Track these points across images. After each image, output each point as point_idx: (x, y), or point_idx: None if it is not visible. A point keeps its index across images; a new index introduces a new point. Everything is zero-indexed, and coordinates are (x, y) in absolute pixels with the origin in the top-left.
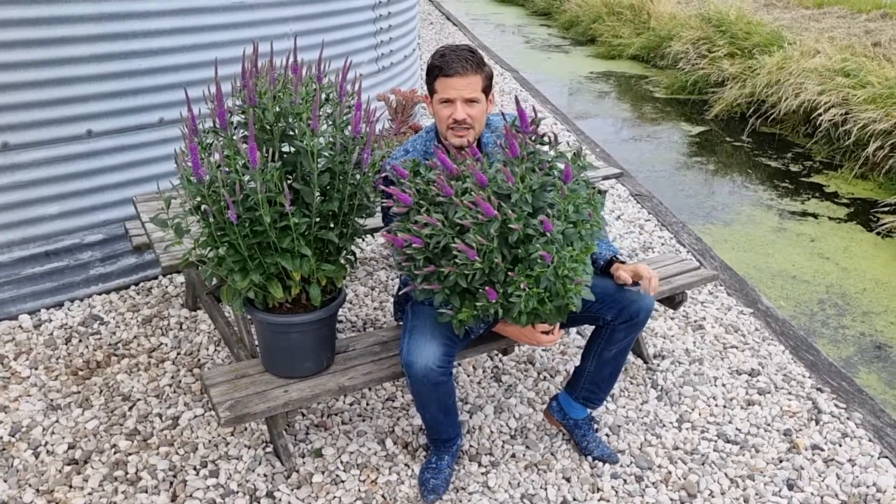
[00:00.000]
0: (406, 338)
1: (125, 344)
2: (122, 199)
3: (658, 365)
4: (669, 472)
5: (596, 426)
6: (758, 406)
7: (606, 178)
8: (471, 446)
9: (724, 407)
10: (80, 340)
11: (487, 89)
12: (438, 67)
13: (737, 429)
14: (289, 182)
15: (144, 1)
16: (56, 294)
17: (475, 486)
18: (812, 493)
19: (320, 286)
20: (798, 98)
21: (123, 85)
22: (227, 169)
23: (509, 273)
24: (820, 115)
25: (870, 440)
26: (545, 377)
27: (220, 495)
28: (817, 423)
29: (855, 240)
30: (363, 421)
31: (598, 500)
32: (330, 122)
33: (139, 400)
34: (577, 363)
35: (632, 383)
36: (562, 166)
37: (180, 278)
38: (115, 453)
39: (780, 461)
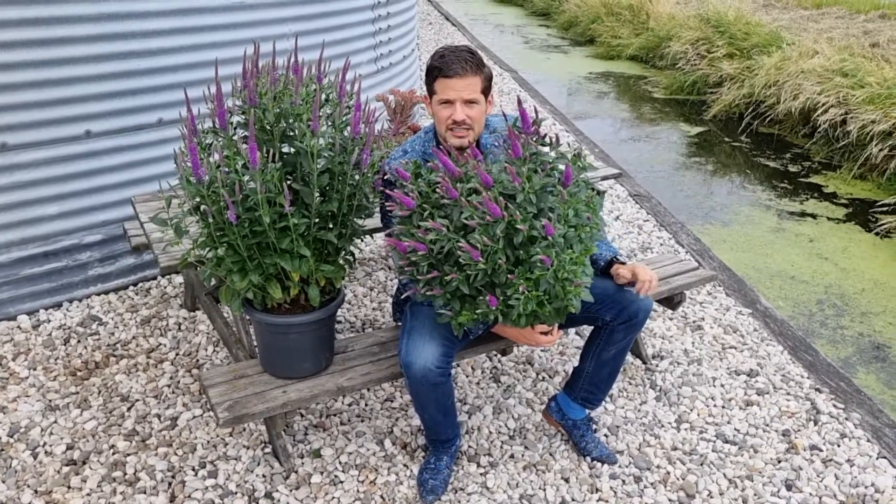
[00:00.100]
0: (405, 338)
1: (124, 344)
2: (120, 199)
3: (657, 365)
4: (668, 473)
5: (594, 427)
6: (756, 406)
7: (605, 178)
8: (469, 447)
9: (723, 407)
10: (79, 341)
11: (487, 90)
12: (438, 68)
13: (735, 429)
14: (288, 182)
15: (143, 1)
16: (55, 294)
17: (474, 486)
18: (810, 494)
19: (319, 287)
20: (797, 99)
21: (122, 85)
22: (226, 169)
23: (509, 276)
24: (819, 115)
25: (868, 440)
26: (544, 378)
27: (218, 496)
28: (816, 423)
29: (854, 240)
30: (362, 421)
31: (597, 501)
32: (329, 123)
33: (138, 400)
34: (576, 364)
35: (630, 384)
36: (563, 167)
37: (179, 279)
38: (113, 454)
39: (779, 461)
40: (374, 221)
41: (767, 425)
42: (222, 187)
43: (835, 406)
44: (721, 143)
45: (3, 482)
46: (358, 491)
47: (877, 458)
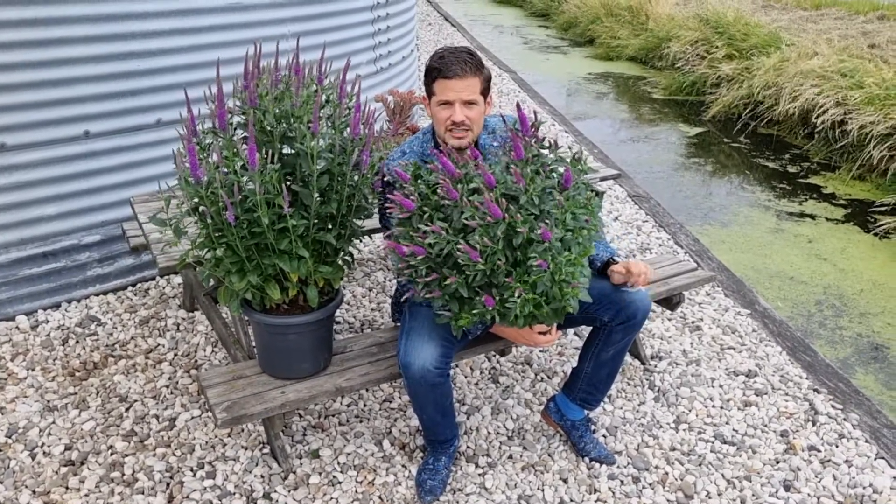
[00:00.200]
0: (403, 339)
1: (122, 345)
2: (119, 200)
3: (655, 366)
4: (666, 473)
5: (593, 427)
6: (755, 407)
7: (604, 179)
8: (468, 447)
9: (721, 408)
10: (78, 341)
11: (486, 91)
12: (437, 69)
13: (734, 430)
14: (288, 183)
15: (142, 2)
16: (53, 295)
17: (472, 487)
18: (809, 494)
19: (318, 287)
20: (796, 100)
21: (121, 86)
22: (225, 170)
23: (506, 278)
24: (817, 116)
25: (866, 441)
26: (542, 378)
27: (216, 496)
28: (814, 424)
29: (852, 241)
30: (360, 422)
31: (596, 502)
32: (329, 124)
33: (136, 401)
34: (575, 364)
35: (629, 384)
36: (562, 170)
37: (178, 279)
38: (111, 454)
39: (777, 462)
40: (373, 222)
41: (766, 426)
42: (221, 188)
43: (833, 407)
44: (720, 143)
45: (2, 483)
46: (356, 491)
47: (875, 459)
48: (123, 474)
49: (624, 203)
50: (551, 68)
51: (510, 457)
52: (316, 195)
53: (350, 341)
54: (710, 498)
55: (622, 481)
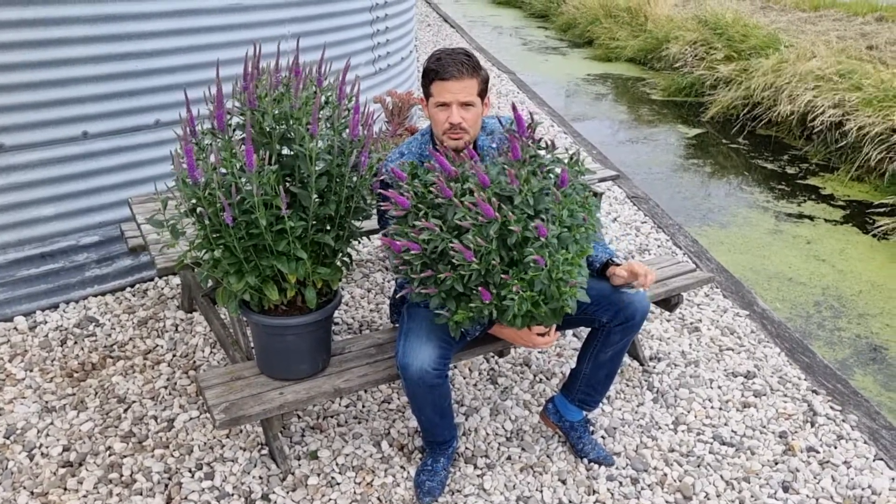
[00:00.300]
0: (402, 340)
1: (120, 346)
2: (117, 200)
3: (654, 367)
4: (665, 475)
5: (592, 428)
6: (753, 408)
7: (603, 180)
8: (466, 448)
9: (720, 409)
10: (76, 342)
11: (483, 93)
12: (434, 71)
13: (732, 431)
14: (287, 185)
15: (141, 2)
16: (51, 296)
17: (471, 488)
18: (807, 496)
19: (316, 289)
20: (794, 101)
21: (120, 86)
22: (223, 171)
23: (503, 276)
24: (816, 117)
25: (865, 442)
26: (541, 379)
27: (215, 498)
28: (813, 425)
29: (851, 242)
30: (359, 423)
31: (594, 503)
32: (328, 125)
33: (134, 402)
34: (573, 365)
35: (628, 385)
36: (559, 170)
37: (176, 280)
38: (109, 455)
39: (776, 463)
40: (372, 223)
41: (764, 427)
42: (218, 189)
43: (832, 408)
44: (719, 144)
45: (0, 484)
46: (355, 493)
47: (874, 460)
48: (122, 475)
49: (623, 204)
50: (550, 69)
51: (509, 458)
52: (314, 196)
53: (349, 342)
54: (708, 499)
55: (621, 482)
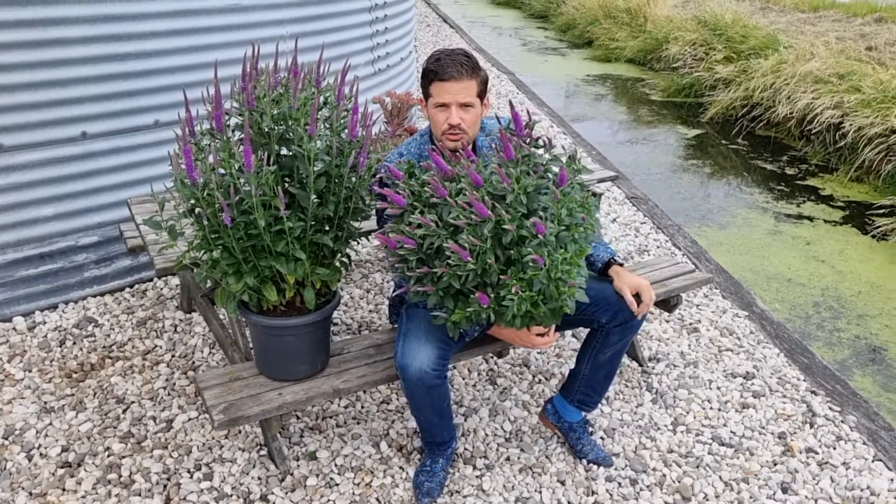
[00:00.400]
0: (401, 341)
1: (119, 346)
2: (116, 201)
3: (653, 368)
4: (664, 475)
5: (591, 429)
6: (752, 409)
7: (602, 180)
8: (465, 449)
9: (719, 410)
10: (75, 343)
11: (482, 93)
12: (434, 72)
13: (731, 432)
14: (286, 185)
15: (140, 3)
16: (50, 296)
17: (470, 489)
18: (806, 497)
19: (315, 289)
20: (793, 102)
21: (118, 87)
22: (222, 171)
23: (502, 276)
24: (815, 118)
25: (864, 443)
26: (540, 380)
27: (214, 498)
28: (812, 426)
29: (850, 242)
30: (358, 424)
31: None
32: (327, 126)
33: (133, 402)
34: (572, 366)
35: (626, 386)
36: (556, 169)
37: (175, 280)
38: (108, 456)
39: (775, 464)
40: (371, 224)
41: (763, 428)
42: (217, 189)
43: (831, 409)
44: (718, 145)
45: None
46: (353, 493)
47: (872, 461)
48: (120, 476)
49: (622, 205)
50: (550, 70)
51: (508, 459)
52: (313, 197)
53: (348, 343)
54: (707, 500)
55: (620, 483)
